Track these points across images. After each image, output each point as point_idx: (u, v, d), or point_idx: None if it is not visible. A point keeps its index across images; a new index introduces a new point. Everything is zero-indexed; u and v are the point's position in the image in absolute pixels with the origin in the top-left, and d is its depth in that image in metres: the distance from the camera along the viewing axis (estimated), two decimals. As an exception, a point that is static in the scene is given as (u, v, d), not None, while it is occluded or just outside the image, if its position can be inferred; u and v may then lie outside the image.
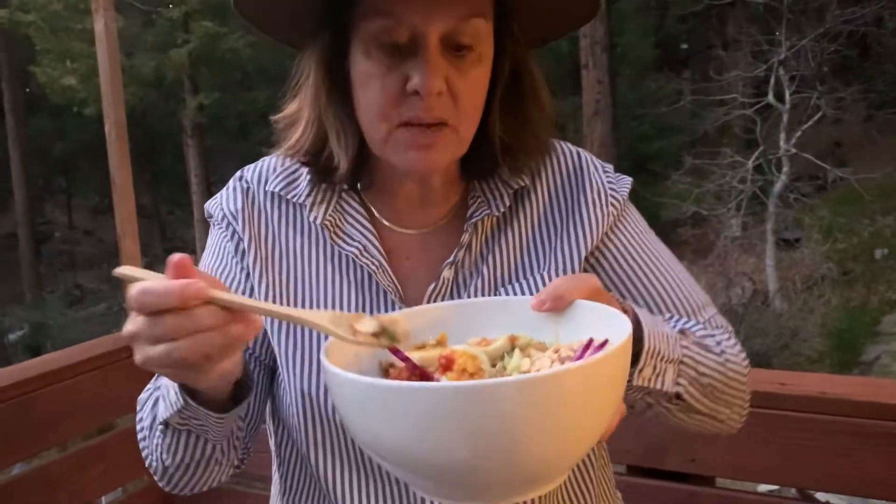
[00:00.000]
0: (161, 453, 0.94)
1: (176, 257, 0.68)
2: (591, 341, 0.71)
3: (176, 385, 0.81)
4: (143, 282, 0.67)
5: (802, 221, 11.90)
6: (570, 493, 1.02)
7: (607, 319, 0.73)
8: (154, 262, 16.25)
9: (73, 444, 2.20)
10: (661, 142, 16.11)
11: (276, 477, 1.09)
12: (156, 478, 0.99)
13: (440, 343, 0.80)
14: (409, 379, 0.73)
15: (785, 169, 11.58)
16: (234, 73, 18.14)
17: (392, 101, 0.88)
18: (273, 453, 1.08)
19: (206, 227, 1.09)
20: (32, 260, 18.47)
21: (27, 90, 20.63)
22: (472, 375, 0.71)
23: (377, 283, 0.97)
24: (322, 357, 0.71)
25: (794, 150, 11.53)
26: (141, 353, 0.70)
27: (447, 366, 0.72)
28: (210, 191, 16.56)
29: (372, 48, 0.87)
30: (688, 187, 12.22)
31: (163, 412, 0.87)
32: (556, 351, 0.73)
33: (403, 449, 0.64)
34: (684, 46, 19.66)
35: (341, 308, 0.97)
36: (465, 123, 0.91)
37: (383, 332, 0.76)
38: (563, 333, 0.78)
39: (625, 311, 0.85)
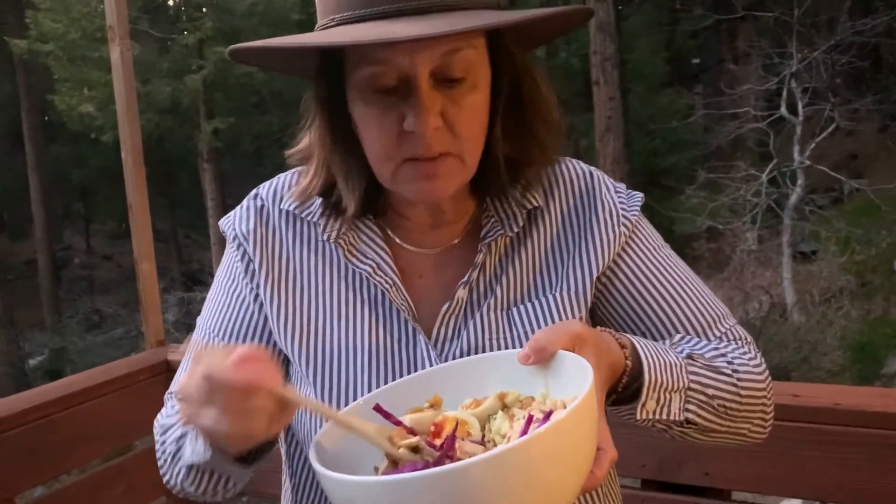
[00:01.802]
0: (183, 481, 0.99)
1: (244, 352, 0.71)
2: (530, 418, 0.73)
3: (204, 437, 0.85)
4: (211, 366, 0.71)
5: (819, 234, 11.82)
6: None
7: (580, 372, 0.74)
8: (171, 286, 16.32)
9: (92, 467, 2.22)
10: (674, 156, 16.08)
11: (287, 485, 1.10)
12: (173, 491, 1.03)
13: (433, 405, 0.82)
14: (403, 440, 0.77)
15: (800, 181, 11.53)
16: (248, 97, 18.30)
17: (392, 141, 0.89)
18: (284, 464, 1.10)
19: (222, 250, 1.11)
20: (52, 285, 18.63)
21: (46, 118, 20.93)
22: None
23: (390, 302, 0.98)
24: (311, 454, 0.74)
25: (808, 163, 11.49)
26: (188, 410, 0.75)
27: (437, 432, 0.75)
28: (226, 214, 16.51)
29: (367, 93, 0.89)
30: (702, 201, 12.19)
31: (189, 456, 0.92)
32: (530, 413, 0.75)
33: None
34: (695, 61, 19.66)
35: (354, 326, 0.98)
36: (469, 151, 0.92)
37: (420, 450, 0.77)
38: (551, 384, 0.79)
39: (623, 347, 0.86)
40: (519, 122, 0.97)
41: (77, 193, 24.18)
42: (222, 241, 1.08)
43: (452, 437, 0.74)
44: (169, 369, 2.25)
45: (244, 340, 1.02)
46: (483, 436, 0.76)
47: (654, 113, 16.51)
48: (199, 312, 1.10)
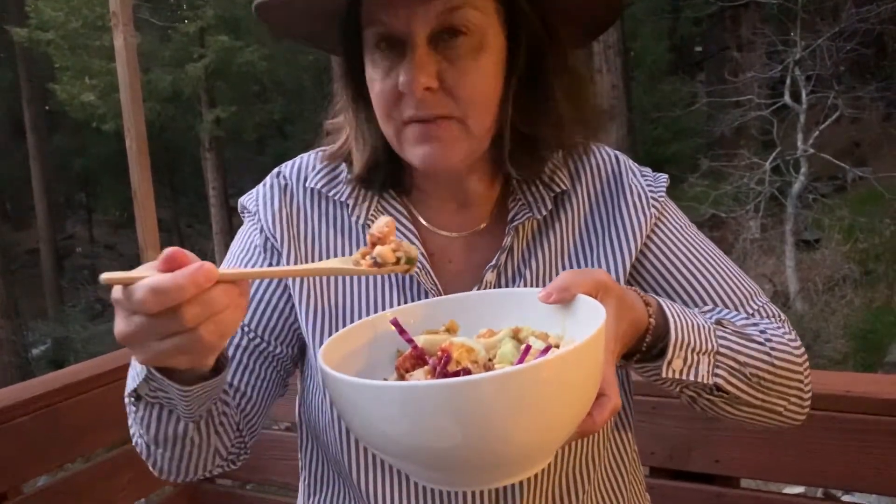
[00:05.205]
0: (138, 426, 0.91)
1: (169, 250, 0.65)
2: (528, 347, 0.73)
3: None
4: (145, 280, 0.63)
5: (822, 222, 11.77)
6: (602, 494, 1.02)
7: (595, 315, 0.74)
8: (174, 275, 16.29)
9: (97, 456, 2.22)
10: (677, 145, 16.04)
11: (302, 486, 1.10)
12: (147, 461, 0.97)
13: (449, 330, 0.83)
14: (413, 360, 0.76)
15: (803, 169, 11.48)
16: (249, 86, 18.23)
17: (391, 101, 0.90)
18: (299, 454, 1.09)
19: (224, 240, 1.10)
20: (54, 275, 18.65)
21: (47, 108, 20.88)
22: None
23: (419, 285, 0.98)
24: (319, 357, 0.73)
25: (812, 151, 11.43)
26: (147, 351, 0.67)
27: (444, 358, 0.75)
28: (228, 203, 16.63)
29: (375, 55, 0.91)
30: (705, 190, 12.13)
31: (131, 382, 0.86)
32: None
33: (399, 440, 0.66)
34: (698, 49, 19.56)
35: (383, 309, 0.97)
36: (472, 114, 0.90)
37: (401, 258, 0.76)
38: (569, 326, 0.79)
39: (647, 305, 0.85)
40: (536, 98, 0.95)
41: (79, 183, 24.18)
42: (225, 231, 1.07)
43: (448, 356, 0.74)
44: (175, 358, 2.24)
45: (263, 314, 1.00)
46: (488, 363, 0.76)
47: (657, 101, 16.44)
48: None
